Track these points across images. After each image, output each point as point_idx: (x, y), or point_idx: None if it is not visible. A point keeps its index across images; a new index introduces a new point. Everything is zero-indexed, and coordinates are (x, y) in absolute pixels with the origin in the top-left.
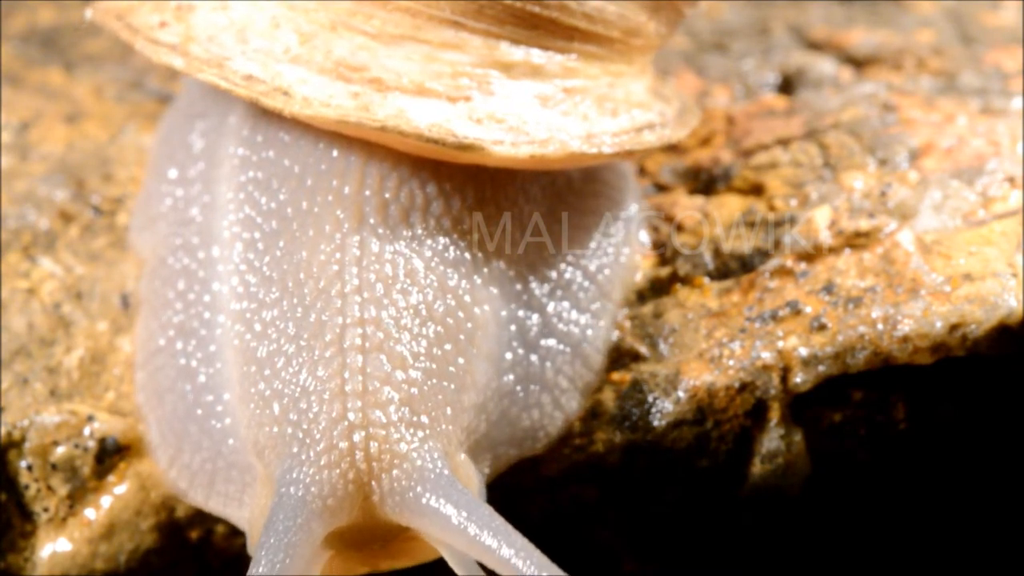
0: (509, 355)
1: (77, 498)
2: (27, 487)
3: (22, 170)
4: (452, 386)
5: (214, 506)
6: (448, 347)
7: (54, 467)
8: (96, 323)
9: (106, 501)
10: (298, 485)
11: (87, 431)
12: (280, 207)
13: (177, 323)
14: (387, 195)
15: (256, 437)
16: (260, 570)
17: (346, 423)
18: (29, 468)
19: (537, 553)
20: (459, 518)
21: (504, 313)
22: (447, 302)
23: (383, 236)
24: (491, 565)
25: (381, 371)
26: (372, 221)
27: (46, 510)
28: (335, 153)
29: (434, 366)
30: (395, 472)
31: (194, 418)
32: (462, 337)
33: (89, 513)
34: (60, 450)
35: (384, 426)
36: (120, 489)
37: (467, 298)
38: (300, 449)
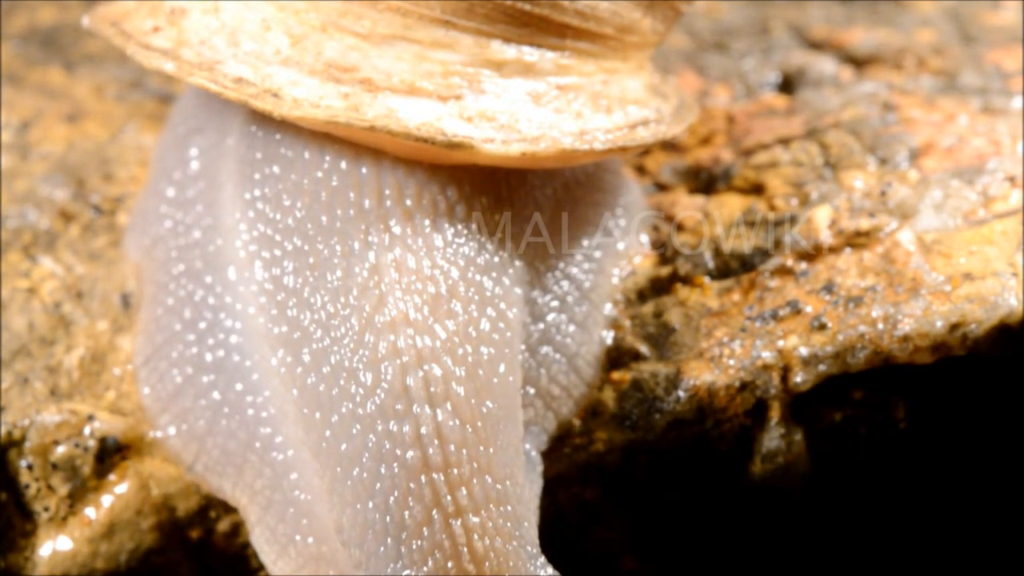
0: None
1: (77, 497)
2: (27, 486)
3: (22, 170)
4: (511, 416)
5: (260, 532)
6: (502, 368)
7: (54, 466)
8: (96, 322)
9: (107, 500)
10: None
11: (87, 430)
12: (299, 224)
13: (192, 357)
14: (409, 203)
15: (340, 519)
16: None
17: (437, 514)
18: (29, 467)
19: None
20: None
21: (521, 315)
22: (487, 313)
23: (417, 251)
24: None
25: (454, 433)
26: (398, 232)
27: (46, 509)
28: (344, 165)
29: (494, 405)
30: None
31: (253, 450)
32: (507, 351)
33: (89, 512)
34: (60, 449)
35: (475, 525)
36: (121, 488)
37: (502, 305)
38: (393, 544)
